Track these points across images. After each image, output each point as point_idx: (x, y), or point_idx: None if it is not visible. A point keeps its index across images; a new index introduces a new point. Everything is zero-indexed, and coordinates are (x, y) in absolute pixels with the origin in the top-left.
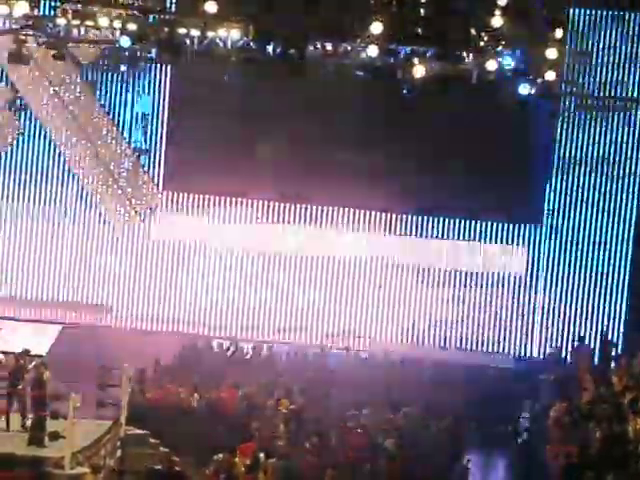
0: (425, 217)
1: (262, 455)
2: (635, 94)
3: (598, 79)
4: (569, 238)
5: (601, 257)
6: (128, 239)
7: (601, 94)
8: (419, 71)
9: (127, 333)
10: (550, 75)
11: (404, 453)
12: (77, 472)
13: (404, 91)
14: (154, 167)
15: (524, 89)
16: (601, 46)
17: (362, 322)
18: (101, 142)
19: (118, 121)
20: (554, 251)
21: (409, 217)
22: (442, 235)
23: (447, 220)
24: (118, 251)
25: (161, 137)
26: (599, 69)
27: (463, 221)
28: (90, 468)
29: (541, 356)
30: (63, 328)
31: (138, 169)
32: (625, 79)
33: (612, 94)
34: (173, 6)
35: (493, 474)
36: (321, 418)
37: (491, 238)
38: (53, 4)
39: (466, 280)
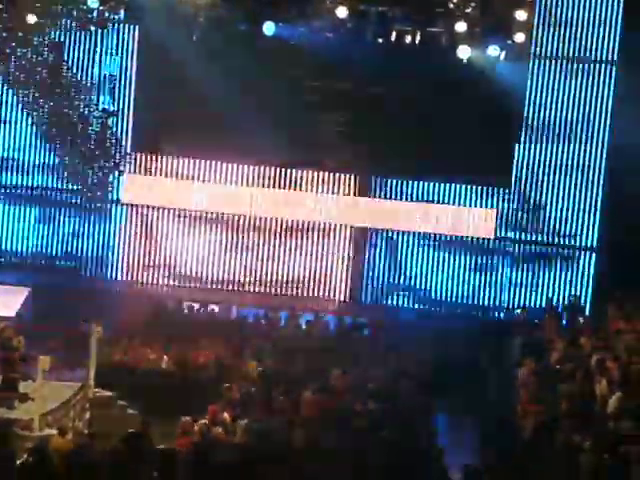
0: (394, 180)
1: (227, 416)
2: (608, 56)
3: (569, 41)
4: (537, 202)
5: (569, 221)
6: (97, 201)
7: (572, 56)
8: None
9: (96, 295)
10: (519, 37)
11: (372, 414)
12: (46, 434)
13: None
14: (123, 129)
15: (494, 51)
16: (573, 7)
17: (331, 284)
18: (69, 104)
19: (86, 83)
20: (522, 214)
21: (377, 180)
22: (410, 198)
23: (415, 183)
24: (87, 213)
25: (129, 99)
26: (570, 31)
27: (432, 184)
28: (58, 430)
29: (510, 318)
30: (32, 290)
31: (106, 131)
32: (597, 41)
33: (584, 56)
34: None
35: (462, 435)
36: (290, 379)
37: (459, 201)
38: None
39: (434, 242)
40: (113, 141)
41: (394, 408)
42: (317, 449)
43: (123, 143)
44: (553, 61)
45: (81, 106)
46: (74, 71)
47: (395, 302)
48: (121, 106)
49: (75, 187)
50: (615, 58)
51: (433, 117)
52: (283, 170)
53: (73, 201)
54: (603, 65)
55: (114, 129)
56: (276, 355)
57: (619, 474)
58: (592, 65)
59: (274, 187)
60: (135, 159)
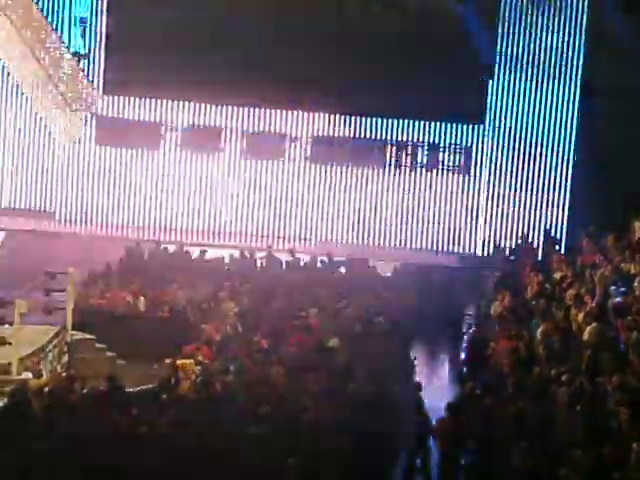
0: (366, 118)
1: (205, 356)
2: None
3: None
4: (511, 137)
5: (543, 156)
6: (70, 144)
7: None
8: None
9: (73, 239)
10: None
11: (350, 352)
12: (24, 378)
13: None
14: (94, 71)
15: None
16: None
17: (306, 224)
18: (40, 46)
19: (56, 25)
20: (497, 150)
21: (353, 118)
22: (384, 136)
23: (390, 121)
24: (60, 157)
25: (101, 41)
26: None
27: (405, 121)
28: (33, 374)
29: (485, 254)
30: (6, 235)
31: (78, 73)
32: None
33: None
34: None
35: (439, 370)
36: (268, 319)
37: (434, 138)
38: None
39: (410, 180)
40: (85, 83)
41: (370, 346)
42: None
43: (95, 85)
44: None
45: (52, 49)
46: (44, 14)
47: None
48: (92, 48)
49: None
50: None
51: (403, 53)
52: (257, 109)
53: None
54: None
55: (85, 72)
56: (253, 295)
57: (595, 405)
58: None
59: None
60: (107, 101)
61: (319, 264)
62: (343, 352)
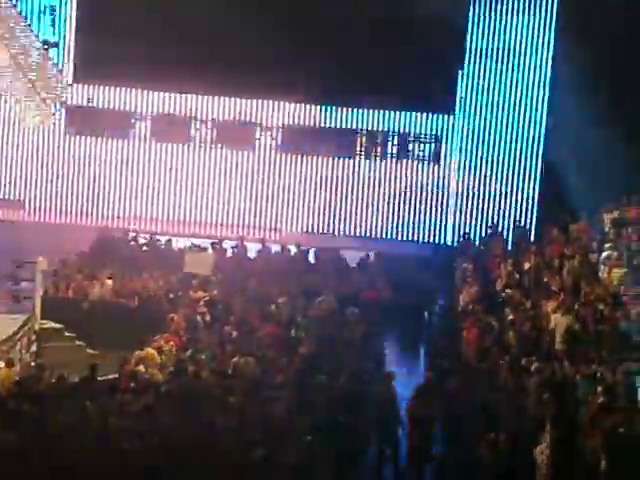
0: (336, 108)
1: (173, 345)
2: None
3: None
4: (481, 127)
5: (512, 145)
6: (40, 133)
7: None
8: None
9: (42, 228)
10: None
11: (320, 341)
12: None
13: None
14: (64, 60)
15: None
16: None
17: (277, 214)
18: (9, 35)
19: (26, 13)
20: (467, 140)
21: (323, 108)
22: (356, 125)
23: (360, 110)
24: (29, 145)
25: (70, 29)
26: None
27: (377, 110)
28: (5, 362)
29: (455, 244)
30: None
31: (47, 62)
32: None
33: None
34: None
35: (410, 360)
36: (237, 308)
37: (404, 127)
38: None
39: (380, 169)
40: (54, 72)
41: (341, 335)
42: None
43: (64, 74)
44: None
45: (21, 37)
46: (13, 2)
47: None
48: (61, 37)
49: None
50: None
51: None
52: (227, 98)
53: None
54: None
55: (55, 60)
56: (222, 285)
57: (565, 393)
58: None
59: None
60: (76, 90)
61: (289, 254)
62: (312, 342)
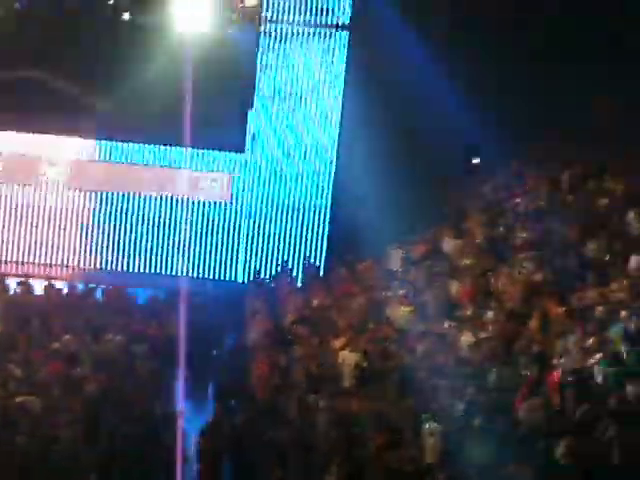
0: (127, 143)
1: None
2: (340, 21)
3: (300, 5)
4: (272, 167)
5: (302, 184)
6: None
7: (304, 20)
8: None
9: None
10: (250, 1)
11: (105, 379)
12: None
13: None
14: None
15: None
16: None
17: (64, 250)
18: None
19: None
20: (258, 178)
21: (111, 144)
22: (147, 161)
23: (150, 146)
24: None
25: None
26: None
27: (166, 147)
28: None
29: (246, 281)
30: None
31: None
32: (330, 5)
33: (318, 21)
34: None
35: (200, 397)
36: (21, 346)
37: (195, 164)
38: None
39: (171, 206)
40: None
41: (128, 374)
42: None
43: None
44: (285, 25)
45: None
46: None
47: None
48: None
49: None
50: (347, 23)
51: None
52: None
53: None
54: (336, 31)
55: None
56: (6, 321)
57: (352, 430)
58: (325, 30)
59: None
60: None
61: (76, 290)
62: (98, 379)
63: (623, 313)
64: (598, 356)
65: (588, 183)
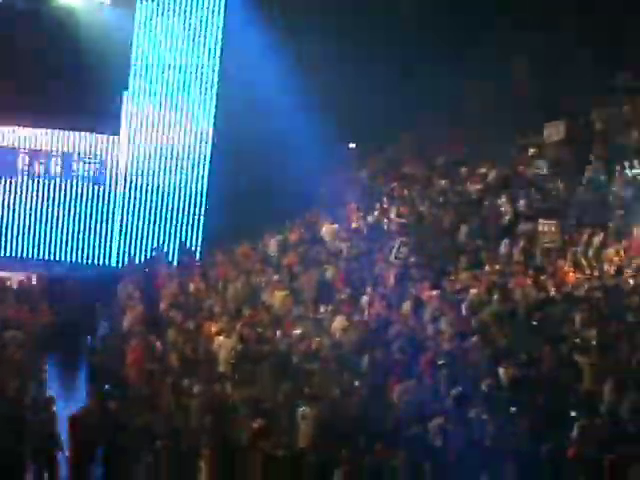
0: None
1: None
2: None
3: None
4: (147, 150)
5: (178, 168)
6: None
7: None
8: None
9: None
10: None
11: None
12: None
13: None
14: None
15: None
16: None
17: None
18: None
19: None
20: (132, 162)
21: None
22: (16, 144)
23: (22, 129)
24: None
25: None
26: None
27: (41, 129)
28: None
29: (120, 265)
30: None
31: None
32: None
33: None
34: None
35: (73, 383)
36: None
37: (67, 147)
38: None
39: (44, 189)
40: None
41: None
42: None
43: None
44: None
45: None
46: None
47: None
48: None
49: None
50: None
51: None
52: None
53: None
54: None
55: None
56: None
57: (226, 415)
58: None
59: None
60: None
61: None
62: None
63: (496, 296)
64: (473, 338)
65: (461, 168)
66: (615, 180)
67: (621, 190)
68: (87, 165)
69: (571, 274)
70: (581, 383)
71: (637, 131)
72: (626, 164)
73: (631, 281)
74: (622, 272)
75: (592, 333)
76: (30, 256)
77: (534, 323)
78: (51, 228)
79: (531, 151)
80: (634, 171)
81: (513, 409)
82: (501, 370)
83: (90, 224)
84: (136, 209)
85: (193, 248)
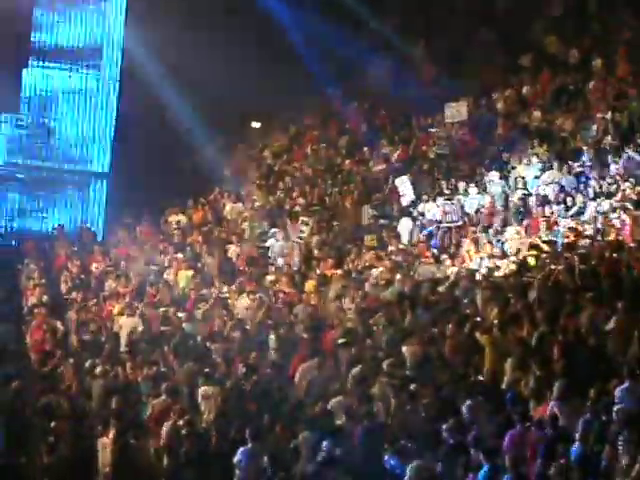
0: None
1: None
2: None
3: None
4: (46, 128)
5: (82, 143)
6: None
7: None
8: None
9: None
10: None
11: None
12: None
13: None
14: None
15: None
16: None
17: None
18: None
19: None
20: (30, 139)
21: None
22: None
23: None
24: None
25: None
26: None
27: None
28: None
29: (19, 244)
30: None
31: None
32: None
33: None
34: None
35: None
36: None
37: None
38: None
39: None
40: None
41: None
42: None
43: None
44: None
45: None
46: None
47: None
48: None
49: None
50: None
51: None
52: None
53: None
54: None
55: None
56: None
57: (128, 395)
58: None
59: None
60: None
61: None
62: None
63: (398, 275)
64: (376, 317)
65: (364, 149)
66: (516, 161)
67: (522, 171)
68: None
69: (472, 253)
70: (482, 361)
71: (539, 111)
72: (527, 144)
73: (531, 260)
74: (520, 251)
75: (493, 312)
76: None
77: (436, 302)
78: None
79: (432, 131)
80: (534, 150)
81: (414, 387)
82: (404, 348)
83: None
84: (34, 187)
85: (95, 227)
